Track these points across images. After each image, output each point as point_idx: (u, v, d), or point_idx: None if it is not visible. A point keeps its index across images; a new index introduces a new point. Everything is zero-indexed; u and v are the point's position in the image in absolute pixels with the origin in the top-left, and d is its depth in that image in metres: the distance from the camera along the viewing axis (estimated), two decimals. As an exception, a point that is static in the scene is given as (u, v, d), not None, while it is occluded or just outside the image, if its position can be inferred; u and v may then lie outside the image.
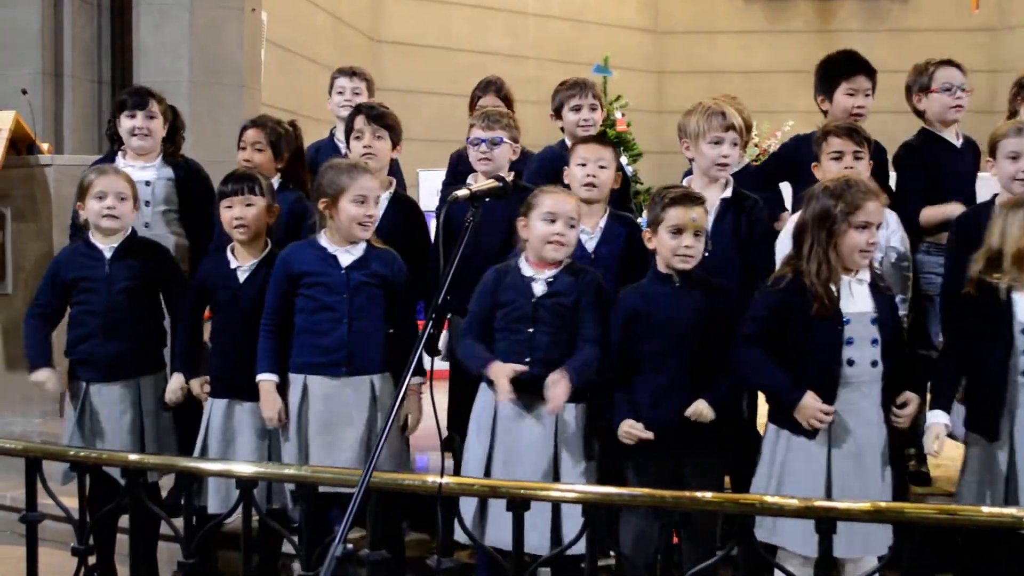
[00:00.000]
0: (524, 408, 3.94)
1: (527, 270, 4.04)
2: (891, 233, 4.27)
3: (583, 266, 4.07)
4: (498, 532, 3.74)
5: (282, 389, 4.21)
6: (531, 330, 3.96)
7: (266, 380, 4.18)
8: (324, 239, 4.22)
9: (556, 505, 3.77)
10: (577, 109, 5.04)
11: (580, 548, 3.38)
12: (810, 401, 3.60)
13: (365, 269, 4.18)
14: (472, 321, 4.08)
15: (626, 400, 3.90)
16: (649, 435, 3.82)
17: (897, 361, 3.74)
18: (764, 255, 4.22)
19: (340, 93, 5.69)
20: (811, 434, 3.65)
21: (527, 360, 3.93)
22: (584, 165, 4.34)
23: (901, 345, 3.80)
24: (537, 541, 3.64)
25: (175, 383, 4.46)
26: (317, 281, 4.16)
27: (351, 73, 5.77)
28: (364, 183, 4.17)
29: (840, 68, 4.87)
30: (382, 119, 4.69)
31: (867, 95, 4.80)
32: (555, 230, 3.96)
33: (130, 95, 5.09)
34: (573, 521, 3.77)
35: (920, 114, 4.92)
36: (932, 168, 4.76)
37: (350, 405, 4.12)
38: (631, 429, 3.83)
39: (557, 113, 5.15)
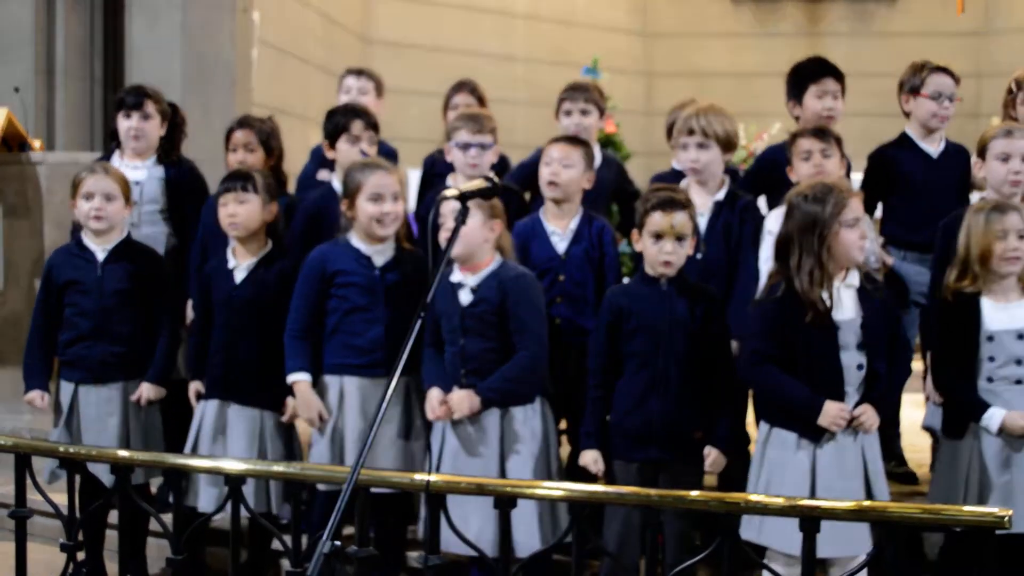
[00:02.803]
0: (468, 420, 3.96)
1: (456, 275, 4.04)
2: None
3: (513, 266, 4.05)
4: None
5: (284, 391, 4.24)
6: (462, 341, 3.98)
7: (301, 380, 4.16)
8: (355, 239, 4.22)
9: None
10: (568, 113, 5.05)
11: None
12: (831, 406, 3.63)
13: (398, 269, 4.19)
14: (425, 336, 4.08)
15: (595, 421, 3.93)
16: (601, 469, 3.89)
17: (889, 361, 3.77)
18: (752, 261, 4.25)
19: (347, 93, 5.67)
20: (803, 432, 3.68)
21: (462, 372, 3.96)
22: (548, 165, 4.37)
23: (897, 348, 3.82)
24: (488, 537, 3.66)
25: (192, 389, 4.49)
26: (350, 281, 4.16)
27: (358, 72, 5.75)
28: (378, 180, 4.16)
29: (808, 72, 4.91)
30: (377, 128, 4.73)
31: (836, 97, 4.84)
32: (445, 226, 3.95)
33: (127, 94, 5.07)
34: (524, 520, 3.81)
35: (907, 115, 4.93)
36: (899, 175, 4.78)
37: (389, 405, 4.10)
38: (597, 460, 3.89)
39: (557, 115, 5.18)
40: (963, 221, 3.91)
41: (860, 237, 3.72)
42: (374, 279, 4.16)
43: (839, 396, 3.67)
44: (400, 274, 4.18)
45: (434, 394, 3.98)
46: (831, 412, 3.63)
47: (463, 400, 3.92)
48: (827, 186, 3.77)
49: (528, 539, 3.81)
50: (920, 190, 4.63)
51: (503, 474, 3.93)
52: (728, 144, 4.35)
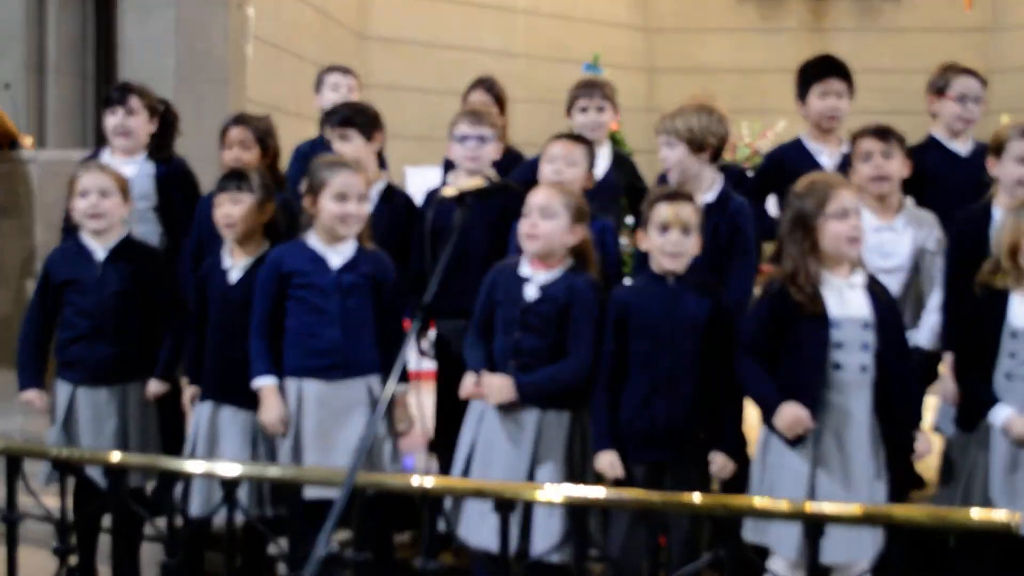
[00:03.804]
0: (506, 414, 3.92)
1: (524, 270, 4.00)
2: (926, 236, 4.24)
3: (584, 273, 4.01)
4: (468, 531, 3.75)
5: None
6: (518, 335, 3.94)
7: (266, 384, 4.11)
8: (313, 239, 4.17)
9: (528, 507, 3.75)
10: (584, 110, 5.05)
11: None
12: (787, 410, 3.58)
13: (356, 270, 4.13)
14: (473, 320, 4.08)
15: (606, 422, 3.88)
16: (619, 473, 3.82)
17: (897, 366, 3.72)
18: (742, 269, 4.18)
19: (335, 90, 5.63)
20: (799, 438, 3.63)
21: (512, 364, 3.92)
22: (552, 163, 4.33)
23: (903, 351, 3.78)
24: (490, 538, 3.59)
25: (188, 394, 4.45)
26: (307, 283, 4.10)
27: (344, 70, 5.73)
28: (344, 179, 4.11)
29: (812, 71, 4.87)
30: (347, 123, 4.66)
31: (840, 96, 4.80)
32: (529, 221, 3.93)
33: (113, 90, 5.05)
34: (543, 524, 3.77)
35: (933, 116, 4.87)
36: (930, 178, 4.73)
37: (347, 408, 4.07)
38: (614, 464, 3.83)
39: (568, 112, 5.17)
40: (1001, 222, 3.88)
41: (852, 227, 3.67)
42: (331, 280, 4.11)
43: (816, 395, 3.62)
44: (358, 274, 4.14)
45: (471, 378, 3.96)
46: (786, 417, 3.58)
47: (502, 387, 3.88)
48: (814, 180, 3.77)
49: (546, 541, 3.75)
50: (952, 190, 4.57)
51: (531, 477, 3.88)
52: (697, 143, 4.21)
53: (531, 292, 3.96)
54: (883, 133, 4.27)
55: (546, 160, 4.38)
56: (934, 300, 4.21)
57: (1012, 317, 3.77)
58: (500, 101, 5.58)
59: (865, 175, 4.17)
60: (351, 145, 4.63)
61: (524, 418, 3.91)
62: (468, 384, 3.98)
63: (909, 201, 4.50)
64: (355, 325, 4.08)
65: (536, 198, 3.94)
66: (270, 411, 4.08)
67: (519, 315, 3.94)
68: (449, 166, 5.29)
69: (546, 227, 3.92)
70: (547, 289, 3.94)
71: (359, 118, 4.69)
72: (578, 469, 3.94)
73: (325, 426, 4.04)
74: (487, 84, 5.66)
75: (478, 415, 4.01)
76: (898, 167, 4.24)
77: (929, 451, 3.76)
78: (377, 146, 4.75)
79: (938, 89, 4.80)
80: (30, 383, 4.48)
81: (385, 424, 4.15)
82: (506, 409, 3.91)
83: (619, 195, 5.05)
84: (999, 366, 3.78)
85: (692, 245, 3.85)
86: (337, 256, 4.13)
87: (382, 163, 4.98)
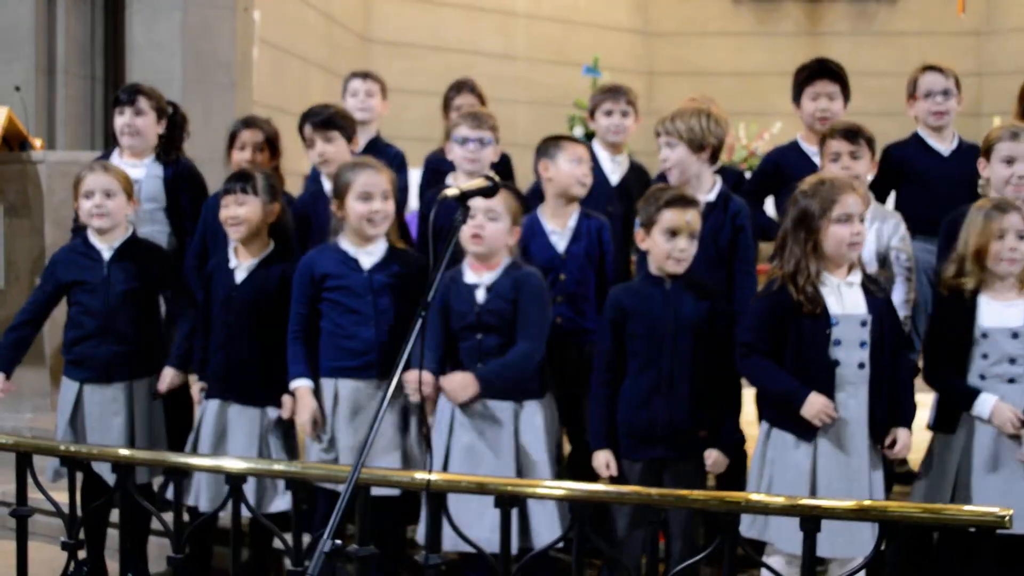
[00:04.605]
0: (480, 412, 3.98)
1: (469, 276, 4.05)
2: (891, 232, 4.29)
3: (522, 264, 4.08)
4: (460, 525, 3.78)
5: (284, 390, 4.22)
6: (479, 336, 4.00)
7: (302, 386, 4.15)
8: (344, 242, 4.21)
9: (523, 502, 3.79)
10: (609, 114, 5.10)
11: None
12: (815, 398, 3.63)
13: (387, 270, 4.18)
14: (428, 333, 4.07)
15: (603, 421, 3.93)
16: (614, 472, 3.89)
17: (893, 363, 3.77)
18: (746, 273, 4.24)
19: (354, 96, 5.66)
20: (800, 432, 3.68)
21: (479, 365, 3.97)
22: (581, 164, 4.37)
23: (899, 347, 3.82)
24: (489, 536, 3.63)
25: (196, 388, 4.48)
26: (340, 284, 4.14)
27: (364, 75, 5.75)
28: (367, 178, 4.14)
29: (804, 74, 4.92)
30: (331, 125, 4.69)
31: (832, 99, 4.84)
32: (475, 223, 3.97)
33: (121, 91, 5.06)
34: (540, 519, 3.84)
35: (916, 119, 4.92)
36: (910, 175, 4.78)
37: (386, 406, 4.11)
38: (609, 463, 3.90)
39: (592, 115, 5.21)
40: (966, 221, 3.90)
41: (852, 233, 3.70)
42: (363, 281, 4.15)
43: (828, 394, 3.66)
44: (389, 275, 4.17)
45: (414, 374, 3.86)
46: (816, 405, 3.63)
47: (465, 384, 3.93)
48: (822, 181, 3.79)
49: (549, 534, 3.80)
50: (932, 188, 4.61)
51: (519, 469, 3.93)
52: (697, 143, 4.24)
53: (481, 295, 4.02)
54: (851, 134, 4.30)
55: (573, 160, 4.40)
56: (897, 295, 4.24)
57: (981, 318, 3.81)
58: (482, 102, 5.60)
59: (834, 174, 4.21)
60: (333, 147, 4.68)
61: (501, 414, 3.97)
62: (413, 380, 3.89)
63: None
64: (389, 324, 4.12)
65: (480, 201, 3.94)
66: (304, 411, 4.13)
67: (475, 319, 4.00)
68: (430, 167, 5.34)
69: (491, 229, 3.99)
70: (495, 288, 4.01)
71: (341, 120, 4.74)
72: (554, 454, 4.01)
73: (363, 426, 4.08)
74: (469, 86, 5.69)
75: (448, 420, 4.03)
76: (866, 167, 4.29)
77: (905, 452, 3.79)
78: (355, 148, 4.79)
79: (910, 93, 4.85)
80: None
81: (416, 420, 4.19)
82: (479, 408, 3.97)
83: (634, 199, 5.09)
84: (972, 368, 3.83)
85: (695, 249, 3.91)
86: (368, 257, 4.18)
87: (400, 165, 5.02)
